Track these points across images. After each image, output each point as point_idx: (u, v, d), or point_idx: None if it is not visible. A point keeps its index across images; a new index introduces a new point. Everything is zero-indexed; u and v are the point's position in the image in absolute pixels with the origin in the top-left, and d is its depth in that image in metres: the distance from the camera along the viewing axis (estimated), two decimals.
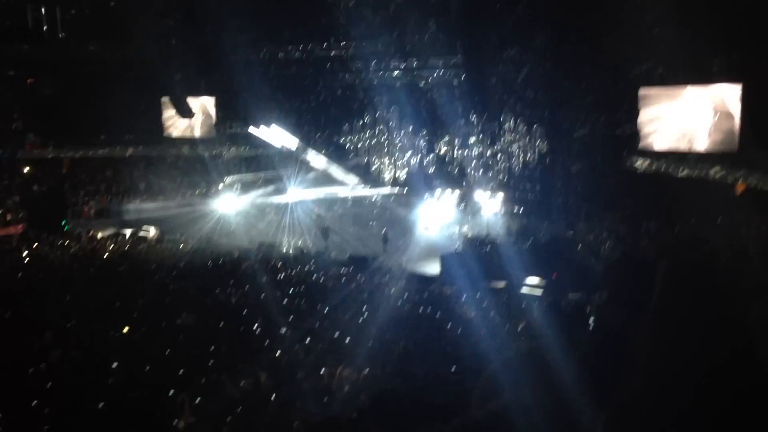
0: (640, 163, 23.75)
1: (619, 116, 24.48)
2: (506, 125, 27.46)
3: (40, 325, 13.08)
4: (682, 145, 22.51)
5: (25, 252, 22.64)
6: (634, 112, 23.68)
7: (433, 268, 22.43)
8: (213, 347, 11.68)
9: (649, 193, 23.09)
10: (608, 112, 24.95)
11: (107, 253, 23.11)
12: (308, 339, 12.45)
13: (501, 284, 19.79)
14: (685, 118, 22.19)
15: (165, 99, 33.60)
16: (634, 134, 23.81)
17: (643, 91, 23.36)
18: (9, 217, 28.09)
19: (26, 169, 31.69)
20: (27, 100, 32.49)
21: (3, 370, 10.22)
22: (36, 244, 24.11)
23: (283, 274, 19.53)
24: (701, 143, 21.83)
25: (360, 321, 14.11)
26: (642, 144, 23.73)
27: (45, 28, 29.97)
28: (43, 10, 29.26)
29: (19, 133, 31.94)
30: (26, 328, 13.12)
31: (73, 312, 14.30)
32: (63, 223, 28.61)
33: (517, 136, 27.22)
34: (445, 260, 22.11)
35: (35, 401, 8.81)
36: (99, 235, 26.75)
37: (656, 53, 22.14)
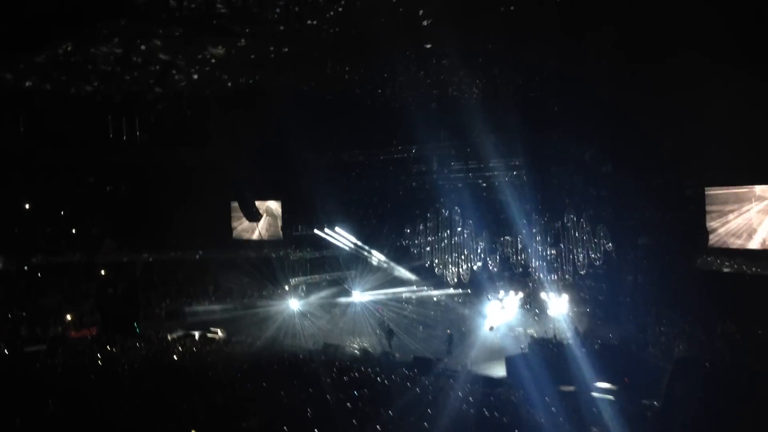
0: (711, 263, 23.16)
1: (687, 215, 24.12)
2: (570, 225, 27.31)
3: (112, 426, 13.35)
4: (753, 244, 21.97)
5: (99, 354, 23.30)
6: (702, 211, 23.33)
7: (499, 371, 21.94)
8: None
9: (721, 294, 22.35)
10: (675, 211, 24.61)
11: (176, 355, 23.56)
12: None
13: (570, 388, 19.15)
14: (755, 216, 21.78)
15: (234, 203, 34.91)
16: (703, 233, 23.36)
17: (710, 190, 23.11)
18: (84, 319, 29.10)
19: (102, 272, 32.93)
20: (105, 205, 34.10)
21: None
22: (109, 346, 24.81)
23: (347, 376, 19.43)
24: None
25: (425, 425, 13.85)
26: (712, 243, 23.24)
27: (124, 136, 31.70)
28: (123, 119, 31.03)
29: (96, 237, 33.44)
30: (97, 428, 13.40)
31: (142, 413, 14.55)
32: (135, 325, 29.39)
33: (582, 236, 26.99)
34: (511, 362, 21.62)
35: None
36: (169, 337, 27.35)
37: (723, 151, 22.00)
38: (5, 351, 25.22)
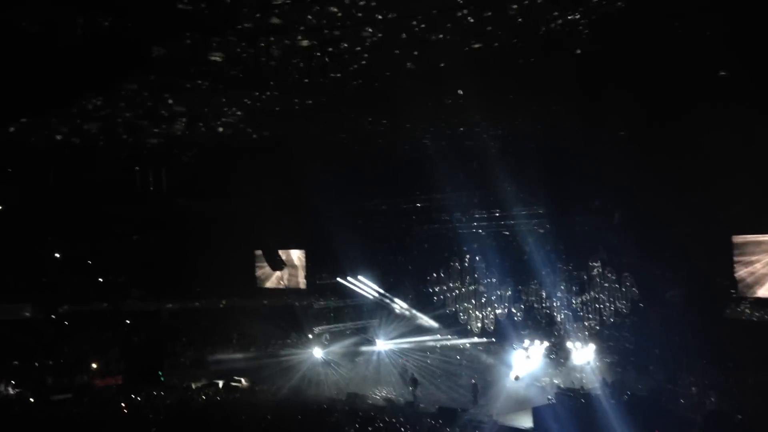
0: (741, 312, 22.82)
1: (715, 264, 23.87)
2: (596, 274, 27.12)
3: None
4: None
5: (124, 402, 23.37)
6: (730, 260, 23.09)
7: (525, 421, 21.61)
8: None
9: (753, 344, 21.95)
10: (702, 260, 24.34)
11: (200, 404, 23.56)
12: None
13: None
14: None
15: (258, 252, 35.19)
16: (732, 282, 23.09)
17: (737, 238, 22.91)
18: (110, 368, 29.28)
19: (127, 321, 33.19)
20: (131, 255, 34.53)
21: None
22: (134, 395, 24.88)
23: (371, 426, 19.27)
24: None
25: None
26: (740, 292, 22.94)
27: (151, 187, 32.20)
28: (149, 170, 31.59)
29: (122, 287, 33.81)
30: None
31: None
32: (159, 373, 29.48)
33: (608, 285, 26.76)
34: (538, 413, 21.30)
35: None
36: (193, 386, 27.38)
37: (749, 199, 21.89)
38: (31, 399, 25.42)
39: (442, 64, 18.22)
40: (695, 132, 20.75)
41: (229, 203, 31.76)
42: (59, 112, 21.41)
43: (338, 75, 18.97)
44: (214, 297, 34.21)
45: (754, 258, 22.50)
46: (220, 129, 24.15)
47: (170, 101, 20.97)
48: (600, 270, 26.99)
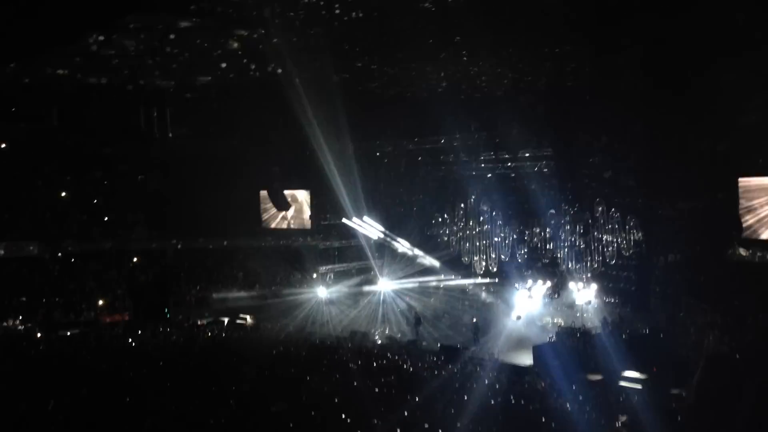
0: (743, 254, 22.84)
1: (719, 205, 23.78)
2: (599, 215, 27.10)
3: (144, 409, 13.64)
4: None
5: (131, 338, 23.75)
6: (734, 202, 22.97)
7: (526, 359, 21.91)
8: None
9: (753, 285, 22.02)
10: (707, 201, 24.26)
11: (206, 340, 23.92)
12: (400, 429, 12.37)
13: (598, 377, 19.08)
14: None
15: (263, 192, 35.22)
16: (736, 223, 23.03)
17: (743, 181, 22.75)
18: (116, 305, 29.67)
19: (134, 260, 33.46)
20: (137, 194, 34.60)
21: None
22: (141, 331, 25.27)
23: (374, 363, 19.55)
24: None
25: (452, 412, 13.91)
26: (744, 233, 22.91)
27: (155, 127, 32.07)
28: (154, 109, 31.39)
29: (128, 225, 33.98)
30: (130, 412, 13.69)
31: (173, 397, 14.83)
32: (166, 311, 29.88)
33: (611, 226, 26.77)
34: (538, 351, 21.56)
35: None
36: (199, 323, 27.76)
37: (755, 141, 21.69)
38: (39, 334, 25.87)
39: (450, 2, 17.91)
40: (704, 71, 20.48)
41: (234, 143, 31.68)
42: (61, 51, 21.22)
43: (343, 14, 18.70)
44: (219, 236, 34.37)
45: (758, 200, 22.38)
46: (223, 65, 23.90)
47: (173, 39, 20.74)
48: (604, 211, 26.94)
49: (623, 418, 13.95)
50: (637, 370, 19.07)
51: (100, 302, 29.57)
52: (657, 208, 25.88)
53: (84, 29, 18.92)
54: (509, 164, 29.46)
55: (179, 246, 34.24)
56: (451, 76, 24.48)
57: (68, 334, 25.75)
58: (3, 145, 31.62)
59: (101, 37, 20.12)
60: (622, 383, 18.23)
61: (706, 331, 22.09)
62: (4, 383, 16.13)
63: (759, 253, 22.43)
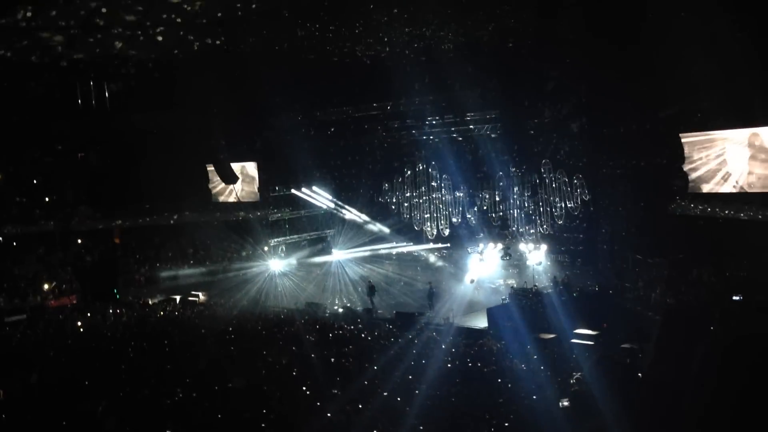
0: (687, 208, 23.45)
1: (662, 161, 24.31)
2: (547, 176, 27.44)
3: (95, 393, 13.37)
4: (727, 188, 22.24)
5: (80, 322, 23.21)
6: (678, 157, 23.49)
7: (480, 322, 22.23)
8: (264, 410, 11.74)
9: (697, 238, 22.69)
10: (650, 158, 24.77)
11: (158, 320, 23.54)
12: (359, 398, 12.42)
13: (550, 336, 19.48)
14: (731, 159, 21.99)
15: (209, 166, 34.59)
16: (679, 178, 23.59)
17: (685, 135, 23.24)
18: (63, 288, 28.96)
19: (78, 241, 32.64)
20: (77, 173, 33.64)
21: None
22: (89, 313, 24.71)
23: (330, 334, 19.57)
24: (749, 184, 21.55)
25: (409, 378, 14.02)
26: (688, 188, 23.49)
27: (93, 102, 31.07)
28: (91, 85, 30.39)
29: (70, 205, 33.06)
30: (81, 396, 13.41)
31: (126, 379, 14.58)
32: (114, 291, 29.32)
33: (559, 187, 27.16)
34: (492, 314, 21.90)
35: None
36: (150, 302, 27.32)
37: (698, 96, 22.14)
38: None
39: None
40: (644, 31, 20.74)
41: (177, 116, 30.89)
42: None
43: None
44: (166, 212, 33.76)
45: (700, 155, 22.94)
46: (160, 39, 23.16)
47: (105, 10, 19.97)
48: (551, 172, 27.29)
49: (577, 375, 14.26)
50: (588, 327, 19.56)
51: (46, 286, 28.83)
52: (602, 168, 26.33)
53: (11, 3, 18.15)
54: (456, 128, 29.49)
55: (125, 224, 33.51)
56: (395, 39, 24.23)
57: (15, 320, 25.00)
58: None
59: (30, 12, 19.28)
60: (574, 341, 18.67)
61: (654, 286, 22.76)
62: None
63: (701, 207, 23.03)
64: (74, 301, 28.30)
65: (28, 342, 20.37)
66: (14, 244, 30.93)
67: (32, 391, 14.39)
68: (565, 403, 12.27)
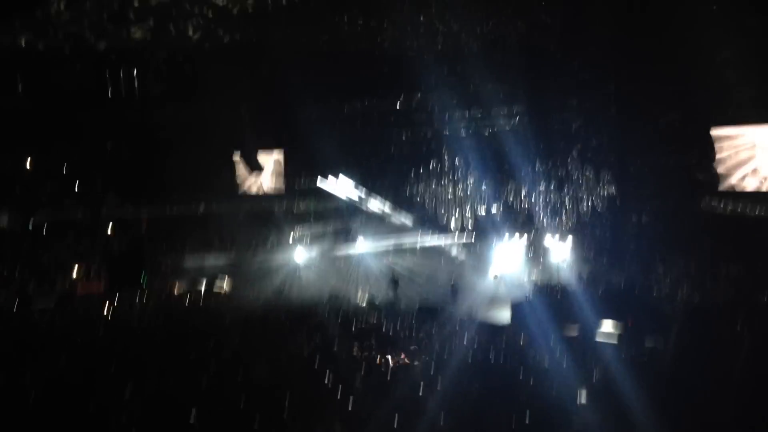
0: (715, 204, 23.12)
1: (692, 157, 23.99)
2: (574, 171, 27.21)
3: (121, 380, 13.57)
4: (759, 184, 21.89)
5: (107, 309, 23.56)
6: (708, 153, 23.16)
7: (503, 317, 22.16)
8: (287, 399, 11.82)
9: (727, 236, 22.38)
10: (680, 154, 24.46)
11: (183, 308, 23.82)
12: (380, 390, 12.47)
13: (574, 332, 19.36)
14: (761, 155, 21.63)
15: (236, 156, 34.77)
16: (709, 175, 23.27)
17: (716, 131, 22.89)
18: (91, 275, 29.36)
19: (107, 229, 33.02)
20: (106, 162, 33.98)
21: (87, 425, 10.62)
22: (117, 300, 25.07)
23: (353, 326, 19.64)
24: None
25: (431, 371, 14.04)
26: (717, 183, 23.16)
27: (122, 92, 31.36)
28: (121, 75, 30.71)
29: (99, 194, 33.43)
30: (108, 383, 13.62)
31: (151, 366, 14.77)
32: (142, 279, 29.65)
33: (585, 181, 26.92)
34: (515, 309, 21.82)
35: None
36: (175, 291, 27.62)
37: (729, 92, 21.79)
38: (14, 309, 25.55)
39: None
40: (676, 26, 20.47)
41: (205, 107, 31.10)
42: (22, 16, 20.58)
43: None
44: (192, 202, 33.99)
45: (730, 151, 22.59)
46: (190, 32, 23.37)
47: (136, 4, 20.20)
48: (578, 167, 27.06)
49: (599, 371, 14.17)
50: (612, 324, 19.40)
51: (75, 273, 29.24)
52: (629, 163, 26.05)
53: None
54: (483, 122, 29.32)
55: (152, 213, 33.82)
56: (423, 32, 24.19)
57: (44, 307, 25.43)
58: None
59: (61, 3, 19.55)
60: (598, 338, 18.54)
61: (680, 283, 22.50)
62: None
63: (730, 203, 22.71)
64: (102, 290, 28.67)
65: (57, 328, 20.72)
66: (44, 231, 31.37)
67: (61, 376, 14.64)
68: (584, 399, 12.22)
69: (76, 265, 29.75)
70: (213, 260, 31.64)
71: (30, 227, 30.88)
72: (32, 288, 27.71)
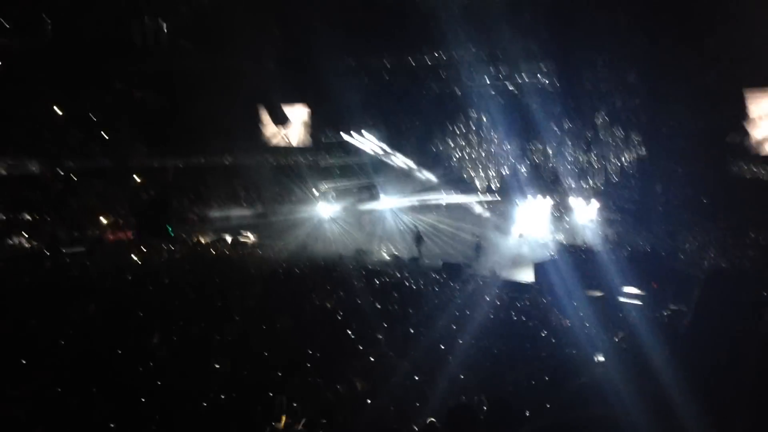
0: (748, 168, 22.71)
1: (724, 120, 23.48)
2: (602, 130, 26.81)
3: (149, 326, 13.83)
4: None
5: (136, 256, 23.95)
6: (741, 116, 22.66)
7: (527, 276, 22.15)
8: (309, 351, 11.98)
9: (755, 201, 22.01)
10: (712, 116, 23.94)
11: (209, 258, 24.12)
12: (402, 345, 12.57)
13: (598, 294, 19.32)
14: None
15: (262, 108, 34.76)
16: (740, 139, 22.80)
17: (750, 93, 22.34)
18: (120, 223, 29.80)
19: (134, 178, 33.36)
20: (133, 111, 34.15)
21: (111, 369, 10.87)
22: (144, 249, 25.45)
23: (377, 281, 19.76)
24: None
25: (453, 328, 14.12)
26: (749, 149, 22.71)
27: (149, 41, 31.33)
28: (148, 23, 30.65)
29: (127, 143, 33.69)
30: (136, 328, 13.89)
31: (179, 314, 15.02)
32: (169, 229, 30.01)
33: (614, 142, 26.54)
34: (539, 268, 21.78)
35: (141, 399, 9.35)
36: (202, 240, 27.96)
37: (763, 52, 21.19)
38: (45, 252, 26.06)
39: None
40: None
41: (232, 58, 31.00)
42: None
43: None
44: (219, 154, 34.17)
45: (763, 114, 22.07)
46: None
47: None
48: (607, 127, 26.66)
49: (622, 334, 14.14)
50: (637, 286, 19.31)
51: (104, 220, 29.68)
52: (660, 124, 25.59)
53: None
54: (511, 79, 28.92)
55: (179, 163, 34.07)
56: None
57: (74, 251, 25.91)
58: None
59: None
60: (622, 299, 18.48)
61: (708, 248, 22.27)
62: (16, 300, 16.35)
63: (763, 169, 22.30)
64: (130, 237, 29.11)
65: (87, 273, 21.10)
66: (74, 178, 31.78)
67: (90, 320, 14.96)
68: (601, 359, 12.21)
69: (105, 213, 30.17)
70: (238, 212, 31.92)
71: (60, 174, 31.30)
72: (62, 234, 28.19)
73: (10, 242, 27.08)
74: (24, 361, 11.17)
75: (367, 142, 32.22)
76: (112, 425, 8.80)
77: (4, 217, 28.21)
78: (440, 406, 9.05)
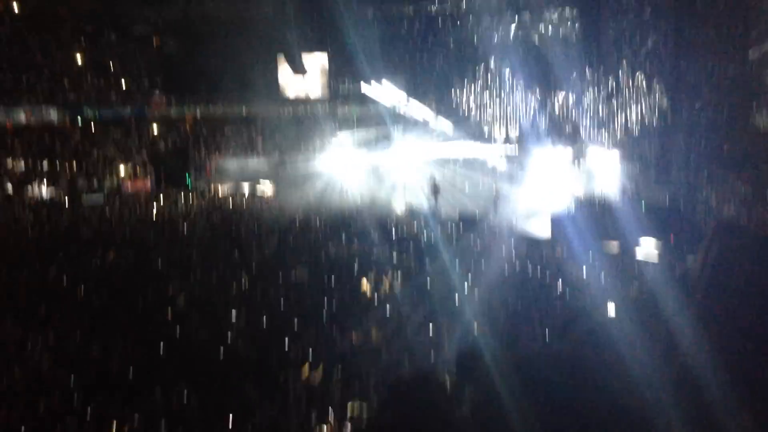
0: None
1: (748, 72, 22.95)
2: (624, 80, 26.36)
3: (167, 274, 14.07)
4: None
5: (154, 204, 24.19)
6: (765, 68, 22.14)
7: (544, 229, 22.06)
8: (325, 301, 12.12)
9: None
10: (736, 68, 23.41)
11: (227, 208, 24.29)
12: (417, 294, 12.67)
13: (615, 246, 19.22)
14: None
15: (280, 56, 34.46)
16: (764, 91, 22.32)
17: None
18: (139, 172, 30.00)
19: (152, 127, 33.43)
20: (152, 59, 34.04)
21: (130, 317, 11.11)
22: (163, 198, 25.67)
23: (393, 231, 19.80)
24: None
25: (469, 280, 14.17)
26: None
27: None
28: None
29: (145, 91, 33.69)
30: (154, 276, 14.14)
31: (197, 262, 15.23)
32: (187, 178, 30.18)
33: (636, 92, 26.10)
34: (555, 220, 21.65)
35: (159, 347, 9.57)
36: (220, 190, 28.11)
37: None
38: (66, 199, 26.40)
39: None
40: None
41: (251, 7, 30.70)
42: None
43: None
44: (236, 103, 34.07)
45: None
46: None
47: None
48: (630, 77, 26.20)
49: (637, 284, 14.12)
50: (654, 238, 19.16)
51: (123, 169, 29.88)
52: (683, 75, 25.08)
53: None
54: (531, 28, 28.40)
55: (197, 112, 34.05)
56: None
57: (93, 199, 26.21)
58: (16, 10, 30.97)
59: None
60: (639, 251, 18.38)
61: (728, 201, 22.01)
62: (37, 248, 16.66)
63: None
64: (148, 186, 29.33)
65: (106, 221, 21.38)
66: (93, 126, 31.91)
67: (110, 268, 15.22)
68: (611, 309, 12.21)
69: (124, 161, 30.37)
70: (255, 163, 31.95)
71: (79, 122, 31.45)
72: (82, 180, 28.47)
73: (31, 190, 27.43)
74: (45, 308, 11.44)
75: (385, 92, 31.93)
76: (131, 372, 9.03)
77: (24, 167, 28.50)
78: (453, 355, 9.16)
